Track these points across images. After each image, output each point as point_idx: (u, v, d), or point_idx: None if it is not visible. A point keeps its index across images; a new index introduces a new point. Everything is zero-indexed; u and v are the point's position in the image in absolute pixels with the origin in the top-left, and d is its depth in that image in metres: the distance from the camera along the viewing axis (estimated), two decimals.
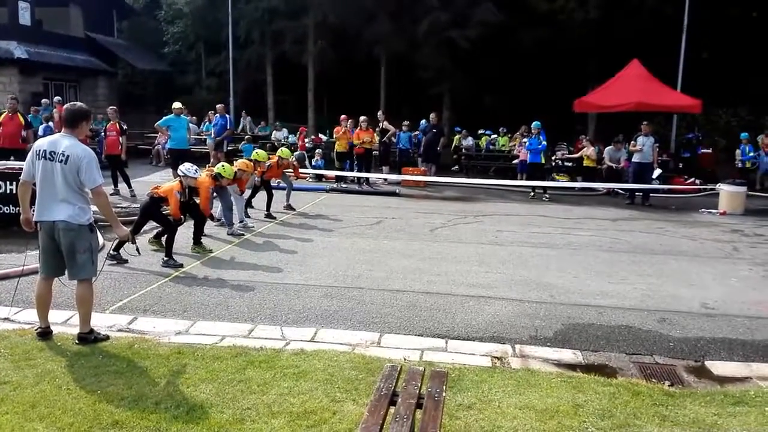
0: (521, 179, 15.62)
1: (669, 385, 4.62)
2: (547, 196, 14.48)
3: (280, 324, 5.60)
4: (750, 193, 13.84)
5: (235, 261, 7.86)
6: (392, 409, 3.04)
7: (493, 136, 20.45)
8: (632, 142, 14.26)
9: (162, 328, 5.38)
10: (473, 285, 7.01)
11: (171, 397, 3.98)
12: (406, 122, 17.33)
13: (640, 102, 16.20)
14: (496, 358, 5.03)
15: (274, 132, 21.44)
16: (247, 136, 16.73)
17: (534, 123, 15.01)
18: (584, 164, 16.30)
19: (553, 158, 17.31)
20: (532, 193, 14.72)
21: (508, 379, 4.53)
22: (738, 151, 16.62)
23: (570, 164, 16.70)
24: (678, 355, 5.25)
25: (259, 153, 10.83)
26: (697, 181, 15.73)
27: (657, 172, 14.32)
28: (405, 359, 4.84)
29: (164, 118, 13.62)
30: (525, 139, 15.96)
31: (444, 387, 3.28)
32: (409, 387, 3.25)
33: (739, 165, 16.27)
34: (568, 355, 5.18)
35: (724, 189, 13.01)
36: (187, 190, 7.84)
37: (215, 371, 4.38)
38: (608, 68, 19.01)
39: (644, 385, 4.52)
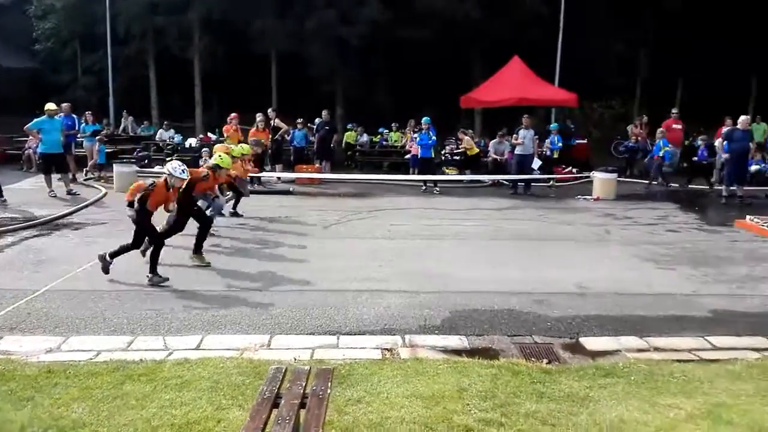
0: (413, 173, 15.94)
1: (547, 363, 4.90)
2: (437, 189, 14.86)
3: (162, 334, 5.36)
4: (621, 179, 15.02)
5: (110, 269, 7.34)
6: (275, 412, 3.00)
7: (385, 132, 20.72)
8: (514, 135, 14.97)
9: (30, 346, 4.99)
10: (366, 279, 7.07)
11: (39, 419, 3.70)
12: (299, 120, 17.16)
13: (521, 97, 17.01)
14: (387, 350, 5.11)
15: (160, 132, 20.52)
16: (98, 137, 15.77)
17: (424, 118, 15.36)
18: (468, 154, 16.86)
19: (442, 152, 17.81)
20: (423, 187, 15.05)
21: (397, 369, 4.61)
22: (547, 141, 16.78)
23: (458, 158, 17.24)
24: (555, 333, 5.58)
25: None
26: (574, 170, 16.76)
27: (537, 162, 15.10)
28: (295, 359, 4.80)
29: (35, 120, 12.63)
30: (415, 135, 16.31)
31: (329, 384, 3.28)
32: (294, 388, 3.22)
33: (547, 153, 16.43)
34: (455, 341, 5.35)
35: (598, 176, 13.95)
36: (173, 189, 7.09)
37: (89, 389, 4.13)
38: (491, 65, 19.84)
39: (524, 365, 4.76)
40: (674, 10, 22.04)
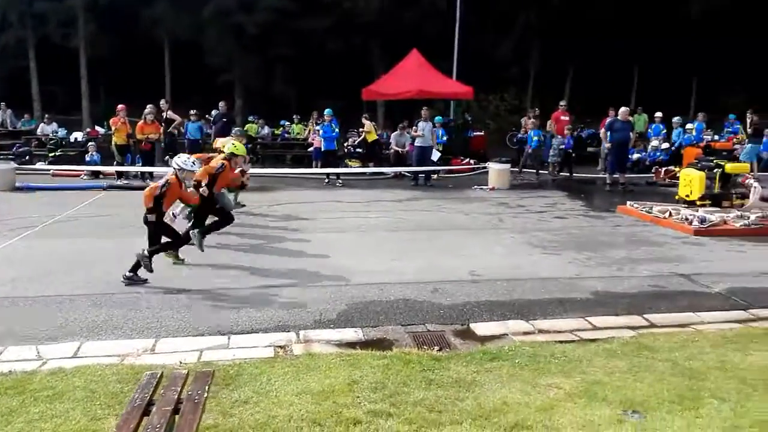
0: (316, 166, 15.80)
1: (438, 350, 4.99)
2: (340, 182, 14.82)
3: (36, 342, 4.97)
4: (515, 169, 15.64)
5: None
6: (146, 420, 2.84)
7: (287, 124, 20.39)
8: (414, 127, 15.18)
9: None
10: (262, 276, 6.91)
11: None
12: (193, 111, 16.50)
13: (420, 89, 17.29)
14: (280, 347, 5.01)
15: (42, 126, 19.11)
16: None
17: (326, 110, 15.25)
18: (368, 139, 16.92)
19: (345, 145, 17.78)
20: (326, 180, 14.97)
21: (288, 366, 4.52)
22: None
23: (361, 150, 17.28)
24: (447, 320, 5.69)
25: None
26: (472, 161, 17.25)
27: (436, 154, 15.40)
28: (180, 363, 4.60)
29: None
30: (318, 127, 16.17)
31: (206, 388, 3.16)
32: (168, 393, 3.07)
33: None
34: (350, 334, 5.34)
35: (493, 167, 14.43)
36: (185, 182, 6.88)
37: None
38: (392, 57, 20.01)
39: (415, 353, 4.82)
40: (562, 4, 23.15)
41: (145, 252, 6.51)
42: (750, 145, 15.56)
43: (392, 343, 5.14)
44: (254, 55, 22.17)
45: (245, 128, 19.75)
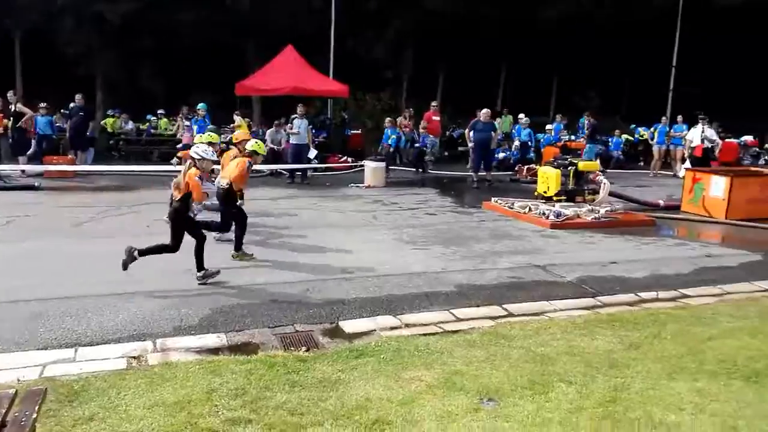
0: None
1: (305, 351, 4.91)
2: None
3: None
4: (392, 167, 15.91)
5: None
6: None
7: (153, 119, 19.34)
8: (288, 124, 14.98)
9: None
10: (115, 282, 6.41)
11: None
12: (43, 104, 15.13)
13: (296, 86, 17.09)
14: (134, 358, 4.69)
15: None
16: None
17: (200, 104, 14.63)
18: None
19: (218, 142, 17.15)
20: None
21: (141, 378, 4.24)
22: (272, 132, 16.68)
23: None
24: (317, 320, 5.63)
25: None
26: (349, 159, 17.33)
27: (313, 152, 15.31)
28: (19, 380, 4.17)
29: None
30: (187, 122, 15.49)
31: (37, 408, 2.86)
32: None
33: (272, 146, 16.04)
34: (212, 339, 5.12)
35: (369, 165, 14.58)
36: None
37: None
38: (268, 52, 19.61)
39: (281, 356, 4.71)
40: (436, 7, 23.87)
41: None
42: (588, 145, 17.04)
43: (258, 347, 4.99)
44: (117, 46, 20.79)
45: (103, 122, 18.59)
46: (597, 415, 3.86)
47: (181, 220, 6.46)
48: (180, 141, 16.07)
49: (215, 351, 4.87)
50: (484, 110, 14.73)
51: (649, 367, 4.60)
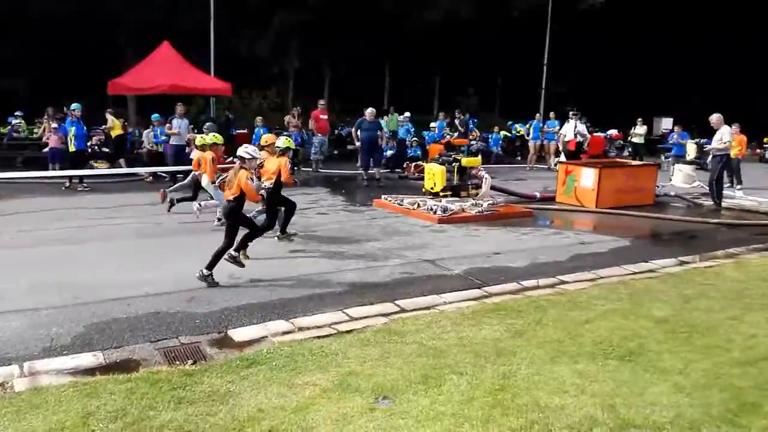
0: (54, 169, 13.95)
1: (192, 364, 4.67)
2: (84, 185, 13.32)
3: None
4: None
5: None
6: None
7: (15, 122, 17.71)
8: (167, 124, 14.27)
9: None
10: None
11: None
12: None
13: (174, 84, 16.29)
14: None
15: None
16: None
17: (74, 105, 13.53)
18: (112, 134, 15.57)
19: (89, 144, 16.02)
20: (68, 184, 13.34)
21: (6, 408, 3.84)
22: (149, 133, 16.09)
23: (108, 150, 15.73)
24: (204, 330, 5.37)
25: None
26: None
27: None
28: None
29: None
30: (54, 124, 14.33)
31: None
32: None
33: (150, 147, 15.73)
34: (88, 359, 4.73)
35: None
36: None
37: None
38: (142, 49, 18.55)
39: (165, 371, 4.44)
40: (318, 5, 23.78)
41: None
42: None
43: (139, 364, 4.68)
44: None
45: None
46: (487, 404, 3.97)
47: (236, 218, 6.83)
48: (46, 145, 14.85)
49: (91, 371, 4.50)
50: (369, 109, 14.84)
51: (533, 353, 4.81)
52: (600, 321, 5.54)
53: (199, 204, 9.94)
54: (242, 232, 7.19)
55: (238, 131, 19.45)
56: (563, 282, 6.98)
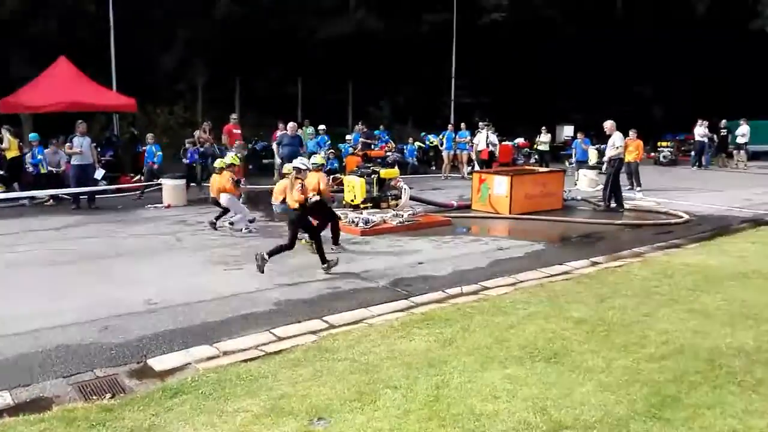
0: None
1: (110, 398, 4.38)
2: None
3: None
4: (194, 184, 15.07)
5: None
6: None
7: None
8: (68, 144, 13.45)
9: None
10: None
11: None
12: None
13: (73, 101, 15.49)
14: None
15: None
16: None
17: None
18: (7, 156, 14.47)
19: None
20: None
21: None
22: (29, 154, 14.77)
23: (2, 173, 14.61)
24: (120, 361, 5.06)
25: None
26: (142, 178, 16.08)
27: (100, 172, 13.95)
28: None
29: None
30: None
31: None
32: None
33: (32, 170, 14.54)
34: None
35: (167, 183, 13.67)
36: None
37: None
38: (38, 65, 17.46)
39: (81, 408, 4.14)
40: (224, 17, 23.34)
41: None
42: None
43: (52, 402, 4.33)
44: None
45: None
46: (424, 416, 3.97)
47: (299, 223, 7.83)
48: None
49: None
50: (291, 124, 14.63)
51: (463, 360, 4.87)
52: (524, 325, 5.69)
53: (230, 224, 10.58)
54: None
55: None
56: (486, 288, 7.13)
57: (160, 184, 14.42)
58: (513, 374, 4.59)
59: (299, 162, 7.94)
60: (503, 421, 3.88)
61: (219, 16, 23.49)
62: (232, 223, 10.57)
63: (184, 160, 15.56)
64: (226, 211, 10.68)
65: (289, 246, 7.72)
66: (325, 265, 7.69)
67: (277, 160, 15.01)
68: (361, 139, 17.73)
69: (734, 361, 4.77)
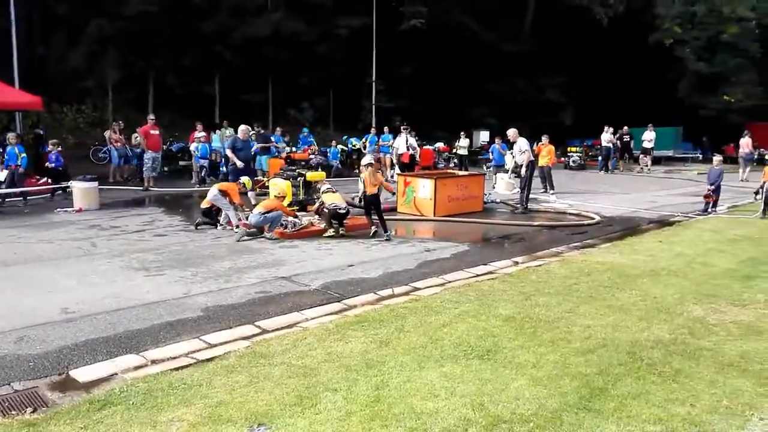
0: None
1: (32, 412, 4.10)
2: None
3: None
4: (103, 186, 14.33)
5: None
6: None
7: None
8: None
9: None
10: None
11: None
12: None
13: None
14: None
15: None
16: None
17: None
18: None
19: None
20: None
21: None
22: None
23: None
24: (40, 373, 4.75)
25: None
26: (50, 180, 15.15)
27: (2, 174, 13.03)
28: None
29: None
30: None
31: None
32: None
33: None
34: None
35: (78, 186, 12.94)
36: None
37: None
38: None
39: (0, 424, 3.85)
40: (135, 14, 22.42)
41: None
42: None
43: None
44: None
45: None
46: (366, 417, 3.99)
47: (375, 206, 10.45)
48: None
49: None
50: (243, 126, 13.70)
51: (401, 360, 4.92)
52: (456, 324, 5.83)
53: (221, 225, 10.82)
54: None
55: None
56: (417, 289, 7.24)
57: (68, 187, 13.65)
58: (449, 372, 4.69)
59: (370, 157, 11.28)
60: (444, 419, 3.96)
61: (130, 12, 22.52)
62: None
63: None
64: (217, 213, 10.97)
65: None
66: (388, 233, 10.22)
67: (200, 162, 14.53)
68: (257, 144, 17.31)
69: (653, 353, 5.10)
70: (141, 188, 16.01)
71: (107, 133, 18.69)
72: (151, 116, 17.44)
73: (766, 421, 4.03)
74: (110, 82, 24.44)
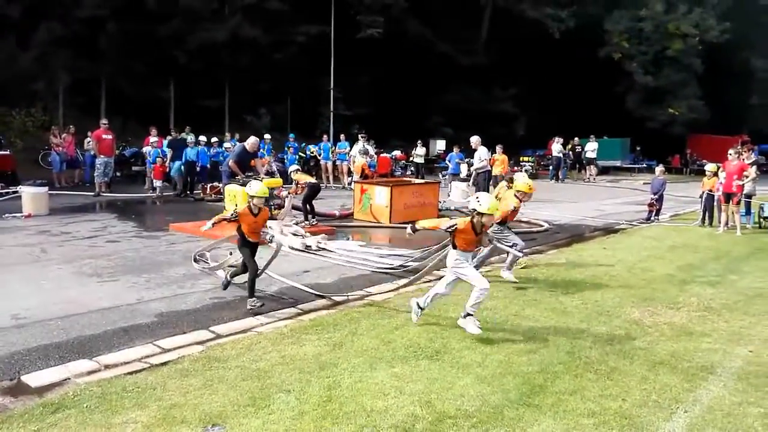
0: None
1: None
2: None
3: None
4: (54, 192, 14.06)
5: None
6: None
7: None
8: None
9: None
10: None
11: None
12: None
13: None
14: None
15: None
16: None
17: None
18: None
19: None
20: None
21: None
22: None
23: None
24: None
25: None
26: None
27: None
28: None
29: None
30: None
31: None
32: None
33: None
34: None
35: (27, 191, 12.66)
36: None
37: None
38: None
39: None
40: (87, 16, 22.05)
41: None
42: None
43: None
44: None
45: None
46: (318, 416, 4.14)
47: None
48: None
49: None
50: (252, 138, 13.24)
51: (353, 362, 5.09)
52: (408, 326, 6.03)
53: None
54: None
55: (1, 153, 17.10)
56: (370, 294, 7.43)
57: (17, 192, 13.35)
58: (400, 372, 4.88)
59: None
60: (392, 416, 4.14)
61: (82, 15, 22.11)
62: None
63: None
64: None
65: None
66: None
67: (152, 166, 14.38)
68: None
69: (591, 352, 5.41)
70: (92, 193, 15.73)
71: (51, 138, 18.30)
72: (104, 121, 17.17)
73: (689, 413, 4.36)
74: (61, 85, 23.88)
